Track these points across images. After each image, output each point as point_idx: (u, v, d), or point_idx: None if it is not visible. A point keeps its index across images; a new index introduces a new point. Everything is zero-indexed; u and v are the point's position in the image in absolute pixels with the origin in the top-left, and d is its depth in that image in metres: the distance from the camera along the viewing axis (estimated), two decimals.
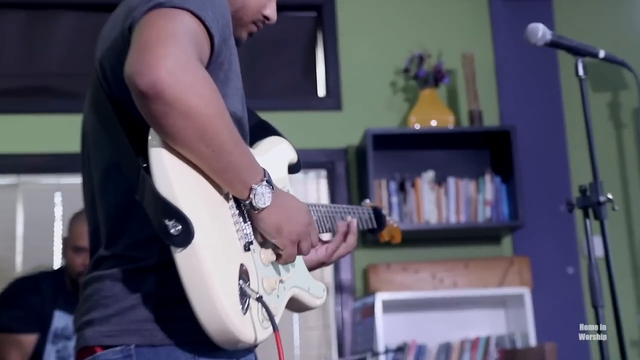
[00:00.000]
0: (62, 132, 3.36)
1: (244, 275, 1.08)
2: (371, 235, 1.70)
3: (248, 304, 1.07)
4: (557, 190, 3.66)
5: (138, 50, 1.02)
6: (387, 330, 3.32)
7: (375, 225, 1.64)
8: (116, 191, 1.16)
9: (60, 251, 3.10)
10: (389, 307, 3.34)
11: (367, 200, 1.68)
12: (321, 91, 3.80)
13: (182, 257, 1.03)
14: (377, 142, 3.47)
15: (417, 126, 3.56)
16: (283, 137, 1.39)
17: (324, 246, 1.44)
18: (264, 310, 1.09)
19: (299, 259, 1.29)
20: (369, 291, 3.44)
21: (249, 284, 1.08)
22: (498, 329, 3.51)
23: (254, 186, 1.10)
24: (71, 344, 2.64)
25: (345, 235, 1.46)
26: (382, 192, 3.48)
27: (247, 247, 1.12)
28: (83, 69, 3.48)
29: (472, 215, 3.49)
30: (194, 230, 1.02)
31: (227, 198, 1.12)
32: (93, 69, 1.23)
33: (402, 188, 3.52)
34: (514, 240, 3.66)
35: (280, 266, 1.21)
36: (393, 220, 1.74)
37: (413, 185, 3.52)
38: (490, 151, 3.69)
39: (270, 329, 1.10)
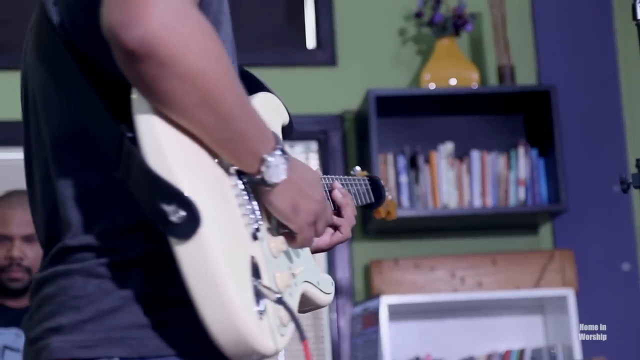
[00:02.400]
0: None
1: (255, 270, 1.08)
2: (374, 222, 1.70)
3: (264, 307, 1.06)
4: (610, 165, 3.66)
5: None
6: (395, 342, 3.33)
7: (372, 199, 1.64)
8: (83, 166, 1.14)
9: None
10: (397, 313, 3.35)
11: (358, 168, 1.68)
12: (310, 42, 3.78)
13: (185, 250, 1.02)
14: (382, 106, 3.46)
15: (432, 86, 3.55)
16: (272, 92, 1.40)
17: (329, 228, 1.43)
18: (280, 313, 1.09)
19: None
20: (371, 294, 3.45)
21: (262, 281, 1.08)
22: (534, 341, 3.52)
23: (265, 157, 1.10)
24: None
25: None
26: (388, 170, 3.48)
27: (255, 235, 1.11)
28: (15, 12, 3.45)
29: (502, 198, 3.49)
30: (200, 217, 1.01)
31: (228, 173, 1.11)
32: (33, 10, 1.21)
33: (413, 164, 3.52)
34: (554, 229, 3.67)
35: (290, 256, 1.21)
36: (388, 192, 1.76)
37: (427, 160, 3.52)
38: (524, 117, 3.68)
39: (287, 336, 1.10)
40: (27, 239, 2.76)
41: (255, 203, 1.13)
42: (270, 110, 1.35)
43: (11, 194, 2.88)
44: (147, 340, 1.08)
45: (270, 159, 1.10)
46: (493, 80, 3.70)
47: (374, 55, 3.71)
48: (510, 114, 3.68)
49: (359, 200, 1.59)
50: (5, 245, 2.71)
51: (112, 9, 0.99)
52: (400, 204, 3.45)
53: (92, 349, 1.08)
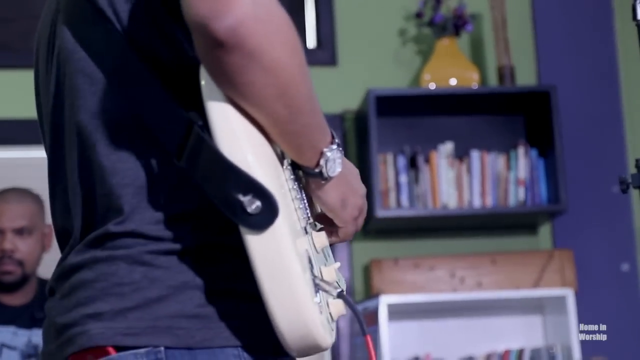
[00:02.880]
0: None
1: (309, 265, 1.08)
2: (374, 222, 1.70)
3: (321, 302, 1.06)
4: (609, 166, 3.67)
5: None
6: (395, 342, 3.34)
7: None
8: (134, 153, 1.12)
9: None
10: (396, 313, 3.36)
11: None
12: (310, 41, 3.79)
13: (259, 242, 1.01)
14: (382, 105, 3.47)
15: (432, 86, 3.56)
16: None
17: None
18: (331, 308, 1.09)
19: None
20: (371, 293, 3.46)
21: (318, 276, 1.09)
22: (534, 340, 3.53)
23: (324, 150, 1.10)
24: None
25: None
26: (388, 170, 3.49)
27: (306, 229, 1.11)
28: (14, 11, 3.45)
29: (502, 198, 3.50)
30: (278, 208, 1.01)
31: (282, 164, 1.11)
32: (27, 9, 1.22)
33: (413, 164, 3.53)
34: (554, 229, 3.68)
35: (325, 253, 1.21)
36: None
37: (427, 160, 3.53)
38: (524, 117, 3.69)
39: (334, 331, 1.10)
40: (19, 232, 2.77)
41: (304, 197, 1.14)
42: None
43: (6, 190, 2.90)
44: (195, 331, 1.06)
45: (328, 153, 1.10)
46: (493, 81, 3.72)
47: (374, 55, 3.72)
48: (510, 114, 3.69)
49: None
50: None
51: (200, 0, 0.98)
52: (400, 203, 3.46)
53: (136, 336, 1.06)
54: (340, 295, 1.09)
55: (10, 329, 2.68)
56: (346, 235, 1.21)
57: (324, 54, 3.71)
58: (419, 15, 3.64)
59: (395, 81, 3.69)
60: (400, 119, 3.62)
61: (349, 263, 3.56)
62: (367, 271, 3.56)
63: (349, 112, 3.66)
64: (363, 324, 1.11)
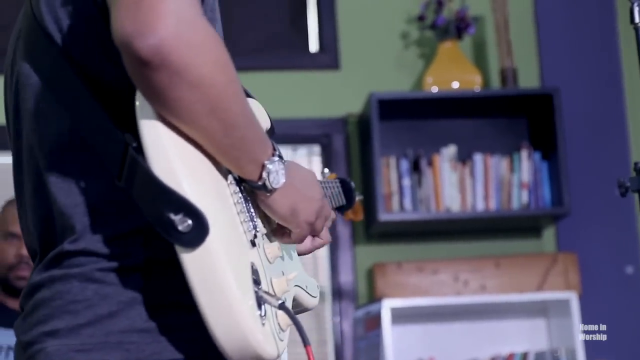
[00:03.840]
0: None
1: (255, 277, 1.10)
2: (377, 226, 1.70)
3: (265, 313, 1.09)
4: (613, 169, 3.68)
5: (131, 3, 1.01)
6: (398, 345, 3.35)
7: (344, 202, 1.67)
8: (82, 174, 1.16)
9: None
10: (399, 316, 3.37)
11: (327, 171, 1.70)
12: (313, 45, 3.81)
13: (192, 258, 1.04)
14: (384, 109, 3.48)
15: (435, 89, 3.57)
16: (252, 97, 1.41)
17: None
18: (279, 319, 1.12)
19: (293, 248, 1.32)
20: (374, 297, 3.47)
21: (262, 287, 1.11)
22: (538, 344, 3.54)
23: (265, 163, 1.13)
24: None
25: None
26: (391, 173, 3.50)
27: (253, 242, 1.14)
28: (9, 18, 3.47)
29: (505, 201, 3.51)
30: (208, 226, 1.03)
31: (227, 180, 1.14)
32: (24, 14, 1.22)
33: (416, 167, 3.54)
34: (557, 232, 3.68)
35: (283, 261, 1.24)
36: (358, 193, 1.79)
37: (430, 163, 3.54)
38: (527, 120, 3.70)
39: (285, 341, 1.13)
40: None
41: (251, 209, 1.16)
42: (257, 116, 1.39)
43: None
44: (145, 345, 1.10)
45: (270, 165, 1.13)
46: (496, 83, 3.73)
47: (376, 59, 3.73)
48: (513, 117, 3.70)
49: (333, 203, 1.61)
50: (15, 244, 2.74)
51: (125, 18, 1.01)
52: (403, 207, 3.47)
53: (88, 352, 1.10)
54: (281, 307, 1.10)
55: None
56: (299, 238, 1.23)
57: (327, 58, 3.73)
58: (421, 18, 3.65)
59: (397, 84, 3.70)
60: (402, 123, 3.63)
61: (352, 266, 3.57)
62: (370, 275, 3.57)
63: (352, 116, 3.67)
64: (304, 334, 1.11)
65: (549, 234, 3.71)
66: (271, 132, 1.41)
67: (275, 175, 1.14)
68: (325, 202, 1.27)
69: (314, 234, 1.26)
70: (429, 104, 3.58)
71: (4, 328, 2.72)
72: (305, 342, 1.11)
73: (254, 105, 1.39)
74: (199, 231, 1.03)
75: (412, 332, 3.49)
